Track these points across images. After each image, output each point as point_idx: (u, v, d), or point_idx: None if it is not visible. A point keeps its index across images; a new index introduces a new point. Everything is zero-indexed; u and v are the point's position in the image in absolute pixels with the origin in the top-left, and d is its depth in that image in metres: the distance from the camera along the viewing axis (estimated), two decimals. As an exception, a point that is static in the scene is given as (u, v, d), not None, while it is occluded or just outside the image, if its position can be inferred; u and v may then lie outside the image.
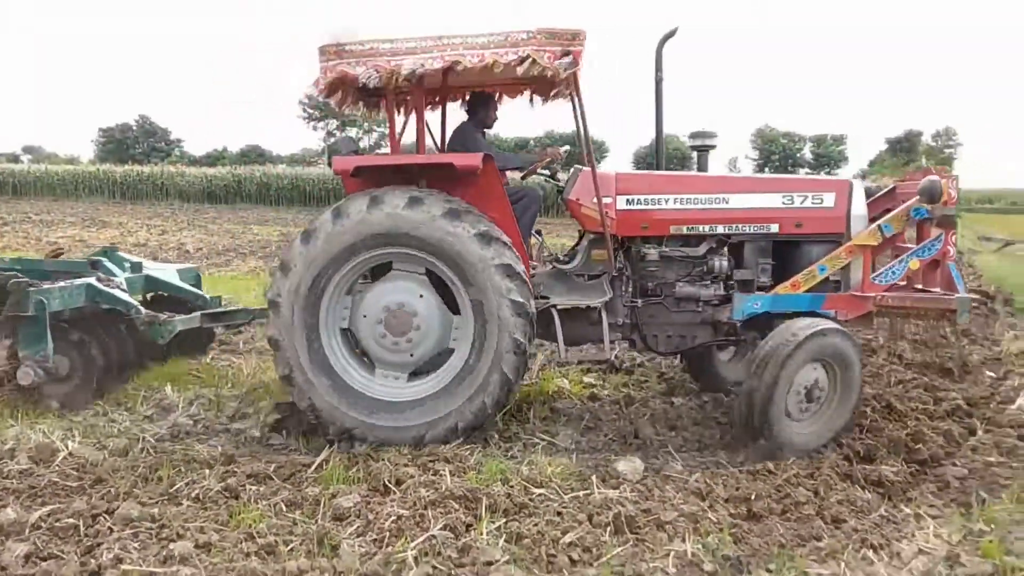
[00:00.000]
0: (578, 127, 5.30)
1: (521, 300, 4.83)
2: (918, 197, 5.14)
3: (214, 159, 56.65)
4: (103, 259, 6.53)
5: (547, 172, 6.07)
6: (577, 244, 5.96)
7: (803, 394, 4.89)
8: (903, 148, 61.07)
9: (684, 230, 5.44)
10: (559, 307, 5.31)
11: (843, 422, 5.00)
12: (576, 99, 5.11)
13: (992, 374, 6.81)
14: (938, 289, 5.20)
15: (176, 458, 4.67)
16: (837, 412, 4.98)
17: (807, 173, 48.52)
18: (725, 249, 5.56)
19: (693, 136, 6.00)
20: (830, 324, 4.95)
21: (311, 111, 64.28)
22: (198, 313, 6.45)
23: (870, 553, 3.70)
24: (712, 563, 3.57)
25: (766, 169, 62.28)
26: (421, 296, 5.02)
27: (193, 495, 4.16)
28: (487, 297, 4.82)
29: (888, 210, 5.45)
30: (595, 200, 5.21)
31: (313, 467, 4.56)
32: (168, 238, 19.88)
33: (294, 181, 39.27)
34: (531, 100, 6.24)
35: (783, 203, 5.42)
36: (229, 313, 6.82)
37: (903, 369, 6.75)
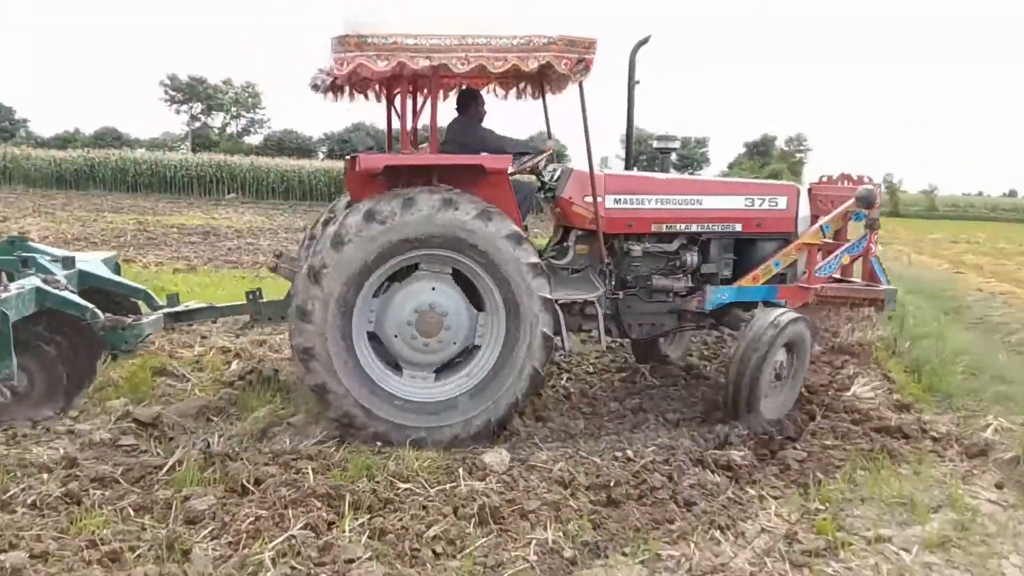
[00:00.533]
0: (585, 127, 5.30)
1: (550, 297, 5.09)
2: (855, 201, 5.81)
3: (65, 141, 52.47)
4: (34, 255, 5.63)
5: (539, 168, 6.10)
6: (562, 240, 6.11)
7: (774, 374, 5.42)
8: (759, 151, 64.50)
9: (663, 228, 5.84)
10: (559, 301, 5.41)
11: (795, 396, 5.71)
12: (582, 103, 5.20)
13: (831, 363, 7.35)
14: (858, 280, 6.03)
15: (10, 462, 4.33)
16: (792, 387, 5.68)
17: (673, 172, 50.57)
18: (695, 245, 5.97)
19: (658, 139, 6.73)
20: (795, 313, 5.55)
21: (173, 93, 60.83)
22: (160, 313, 5.90)
23: (717, 533, 3.94)
24: (572, 549, 3.69)
25: (635, 168, 64.28)
26: (434, 290, 5.09)
27: (29, 501, 3.88)
28: (519, 296, 5.00)
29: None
30: (586, 199, 5.48)
31: (165, 469, 4.34)
32: (9, 225, 18.26)
33: (154, 166, 36.99)
34: (531, 95, 6.43)
35: (745, 205, 5.96)
36: (193, 312, 6.21)
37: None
